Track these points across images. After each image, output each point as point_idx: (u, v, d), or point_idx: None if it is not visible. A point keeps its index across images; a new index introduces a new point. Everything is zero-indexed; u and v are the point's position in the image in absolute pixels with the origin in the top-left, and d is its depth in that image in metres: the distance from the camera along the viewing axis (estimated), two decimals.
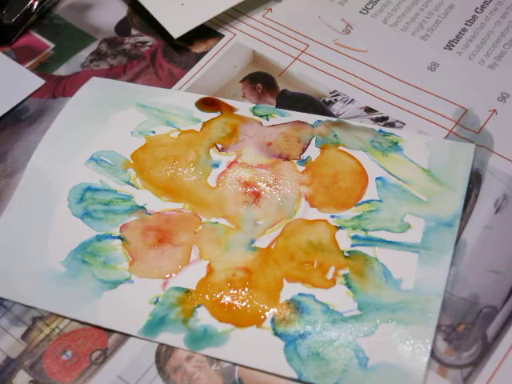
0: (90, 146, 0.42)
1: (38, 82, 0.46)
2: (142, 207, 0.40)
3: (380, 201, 0.38)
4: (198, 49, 0.47)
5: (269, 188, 0.39)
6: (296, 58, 0.46)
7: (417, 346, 0.33)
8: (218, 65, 0.46)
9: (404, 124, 0.42)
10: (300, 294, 0.36)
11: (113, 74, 0.47)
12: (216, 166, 0.41)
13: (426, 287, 0.35)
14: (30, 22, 0.50)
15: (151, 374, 0.35)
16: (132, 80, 0.46)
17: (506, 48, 0.45)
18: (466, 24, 0.46)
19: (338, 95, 0.44)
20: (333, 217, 0.38)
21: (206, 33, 0.48)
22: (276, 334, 0.35)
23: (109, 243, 0.38)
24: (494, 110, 0.42)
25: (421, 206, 0.38)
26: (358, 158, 0.40)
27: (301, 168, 0.40)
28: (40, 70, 0.47)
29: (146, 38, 0.49)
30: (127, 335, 0.36)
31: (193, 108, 0.43)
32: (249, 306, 0.36)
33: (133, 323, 0.36)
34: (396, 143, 0.40)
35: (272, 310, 0.35)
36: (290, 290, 0.36)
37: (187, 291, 0.36)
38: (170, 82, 0.46)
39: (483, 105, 0.42)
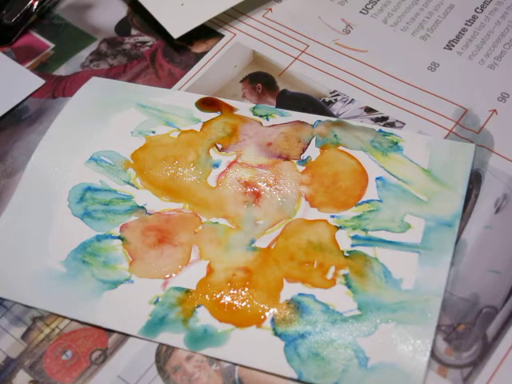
0: (89, 146, 0.42)
1: (37, 81, 0.46)
2: (142, 207, 0.40)
3: (380, 201, 0.38)
4: (198, 49, 0.47)
5: (269, 188, 0.39)
6: (296, 58, 0.46)
7: (417, 346, 0.33)
8: (217, 65, 0.46)
9: (404, 124, 0.42)
10: (300, 294, 0.36)
11: (113, 73, 0.47)
12: (216, 165, 0.41)
13: (426, 287, 0.35)
14: (30, 22, 0.50)
15: (151, 373, 0.35)
16: (132, 80, 0.46)
17: (506, 48, 0.45)
18: (465, 24, 0.46)
19: (338, 95, 0.44)
20: (333, 217, 0.38)
21: (206, 33, 0.48)
22: (276, 333, 0.35)
23: (109, 243, 0.38)
24: (494, 110, 0.42)
25: (421, 205, 0.38)
26: (358, 158, 0.40)
27: (301, 168, 0.40)
28: (40, 70, 0.47)
29: (146, 38, 0.49)
30: (127, 335, 0.36)
31: (193, 108, 0.43)
32: (249, 306, 0.36)
33: (133, 323, 0.36)
34: (396, 143, 0.40)
35: (272, 310, 0.35)
36: (289, 290, 0.36)
37: (187, 291, 0.36)
38: (170, 82, 0.46)
39: (483, 105, 0.42)
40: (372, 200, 0.38)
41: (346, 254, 0.37)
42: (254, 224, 0.38)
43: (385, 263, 0.36)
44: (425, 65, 0.45)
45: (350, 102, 0.43)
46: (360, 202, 0.38)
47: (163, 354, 0.35)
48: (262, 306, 0.35)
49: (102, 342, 0.36)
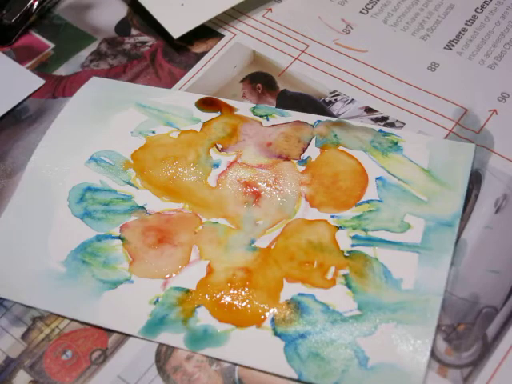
0: (89, 146, 0.42)
1: (38, 81, 0.46)
2: (142, 207, 0.40)
3: (380, 201, 0.38)
4: (198, 49, 0.47)
5: (269, 188, 0.39)
6: (296, 58, 0.46)
7: (417, 346, 0.33)
8: (217, 65, 0.46)
9: (404, 124, 0.42)
10: (300, 294, 0.36)
11: (113, 73, 0.47)
12: (216, 166, 0.41)
13: (426, 287, 0.35)
14: (30, 22, 0.50)
15: (151, 374, 0.35)
16: (132, 80, 0.46)
17: (506, 48, 0.45)
18: (466, 24, 0.46)
19: (338, 95, 0.44)
20: (333, 217, 0.38)
21: (206, 33, 0.48)
22: (276, 333, 0.35)
23: (109, 243, 0.38)
24: (494, 110, 0.42)
25: (421, 206, 0.38)
26: (358, 158, 0.40)
27: (301, 168, 0.40)
28: (40, 69, 0.47)
29: (145, 38, 0.49)
30: (127, 335, 0.36)
31: (193, 108, 0.43)
32: (249, 306, 0.36)
33: (133, 323, 0.36)
34: (396, 143, 0.40)
35: (272, 310, 0.35)
36: (289, 290, 0.36)
37: (187, 291, 0.36)
38: (170, 82, 0.46)
39: (483, 105, 0.42)
40: (372, 200, 0.38)
41: (346, 254, 0.37)
42: (254, 224, 0.38)
43: (385, 263, 0.36)
44: (425, 65, 0.45)
45: (350, 102, 0.43)
46: (360, 202, 0.38)
47: (163, 354, 0.35)
48: (261, 306, 0.35)
49: (102, 342, 0.36)
